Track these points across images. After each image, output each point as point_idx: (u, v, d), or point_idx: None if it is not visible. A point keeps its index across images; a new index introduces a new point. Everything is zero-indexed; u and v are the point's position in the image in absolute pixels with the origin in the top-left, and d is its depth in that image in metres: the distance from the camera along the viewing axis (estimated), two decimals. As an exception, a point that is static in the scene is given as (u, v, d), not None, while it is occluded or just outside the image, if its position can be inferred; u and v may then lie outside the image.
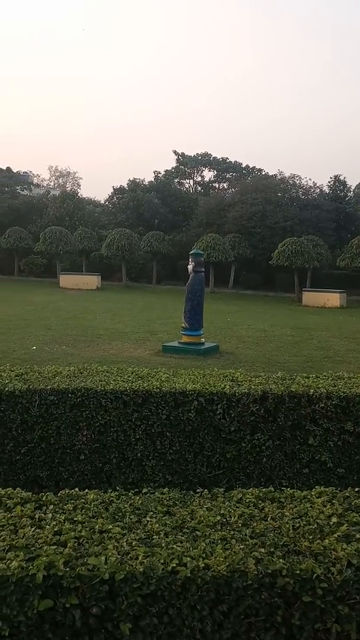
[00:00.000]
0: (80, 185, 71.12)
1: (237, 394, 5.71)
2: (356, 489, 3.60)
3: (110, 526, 3.04)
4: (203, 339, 14.93)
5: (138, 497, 3.43)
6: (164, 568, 2.69)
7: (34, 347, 14.27)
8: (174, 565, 2.70)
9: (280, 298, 35.02)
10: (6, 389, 5.73)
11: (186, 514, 3.23)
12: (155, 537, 2.96)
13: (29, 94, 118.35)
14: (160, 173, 55.00)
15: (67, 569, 2.66)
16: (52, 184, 75.19)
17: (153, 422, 5.75)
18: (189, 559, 2.75)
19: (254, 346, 15.83)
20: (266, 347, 15.68)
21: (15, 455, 5.74)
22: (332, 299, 31.50)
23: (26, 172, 69.00)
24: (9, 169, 63.24)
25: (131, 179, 49.19)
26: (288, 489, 3.63)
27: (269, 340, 17.13)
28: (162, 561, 2.73)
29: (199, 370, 6.82)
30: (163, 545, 2.87)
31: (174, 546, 2.85)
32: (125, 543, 2.88)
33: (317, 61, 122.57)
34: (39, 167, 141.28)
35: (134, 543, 2.89)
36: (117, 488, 5.77)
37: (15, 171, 64.30)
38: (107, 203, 52.13)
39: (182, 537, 2.96)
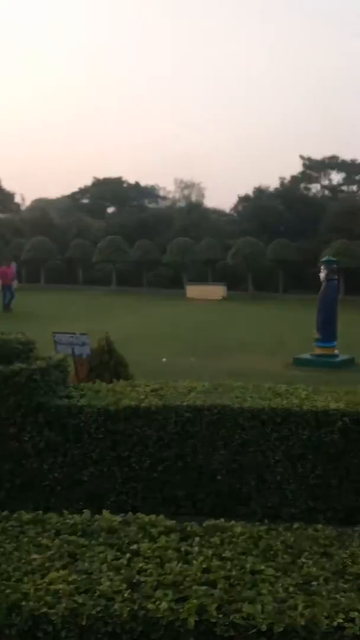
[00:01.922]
0: (204, 196, 71.88)
1: (387, 415, 5.23)
2: None
3: (263, 566, 2.78)
4: (337, 351, 14.26)
5: (290, 533, 3.14)
6: (329, 623, 2.38)
7: (164, 359, 14.39)
8: (340, 620, 2.39)
9: None
10: (142, 404, 5.67)
11: (346, 556, 2.90)
12: (314, 583, 2.66)
13: (154, 111, 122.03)
14: (285, 179, 54.16)
15: (221, 616, 2.43)
16: (177, 195, 76.77)
17: (293, 443, 5.43)
18: (356, 613, 2.42)
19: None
20: None
21: (152, 472, 5.66)
22: None
23: (153, 186, 71.03)
24: (137, 183, 65.57)
25: (256, 187, 48.89)
26: None
27: None
28: (325, 614, 2.42)
29: (341, 387, 6.38)
30: (324, 594, 2.56)
31: (337, 596, 2.54)
32: (280, 588, 2.61)
33: None
34: (165, 179, 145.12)
35: (290, 589, 2.61)
36: (257, 511, 5.62)
37: (143, 185, 66.55)
38: (232, 212, 52.20)
39: (345, 586, 2.64)
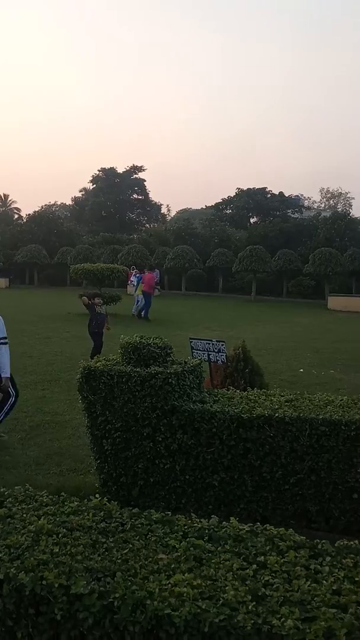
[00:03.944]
0: (352, 205, 69.62)
1: None
2: None
3: None
4: None
5: None
6: None
7: (301, 370, 14.03)
8: None
9: None
10: (276, 414, 5.53)
11: None
12: None
13: (297, 121, 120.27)
14: None
15: (350, 643, 2.27)
16: (322, 205, 75.06)
17: None
18: None
19: None
20: None
21: (283, 484, 5.50)
22: None
23: (297, 196, 70.06)
24: (281, 193, 64.99)
25: None
26: None
27: None
28: None
29: None
30: None
31: None
32: None
33: None
34: (311, 190, 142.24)
35: None
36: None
37: (287, 195, 65.82)
38: (381, 222, 49.91)
39: None
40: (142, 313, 24.94)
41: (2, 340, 7.56)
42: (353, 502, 5.31)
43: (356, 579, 2.72)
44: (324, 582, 2.68)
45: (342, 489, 5.34)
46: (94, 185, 75.08)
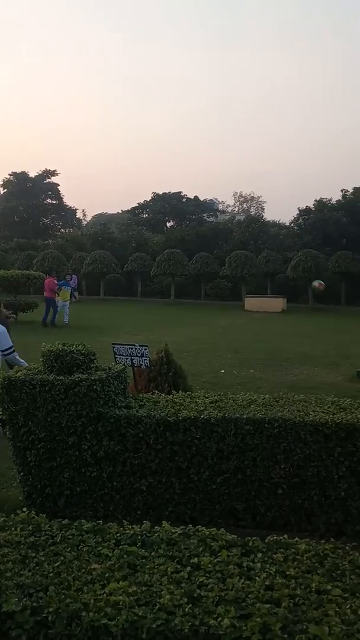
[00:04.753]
0: (264, 209, 71.54)
1: None
2: None
3: (329, 586, 2.65)
4: None
5: (358, 553, 2.99)
6: None
7: (223, 371, 14.27)
8: None
9: None
10: (202, 416, 5.60)
11: None
12: (385, 606, 2.51)
13: (212, 127, 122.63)
14: (348, 191, 53.17)
15: (285, 636, 2.32)
16: (236, 209, 76.74)
17: (358, 458, 5.23)
18: None
19: None
20: None
21: (211, 484, 5.57)
22: None
23: (212, 200, 71.26)
24: (196, 197, 65.92)
25: (317, 199, 48.22)
26: None
27: None
28: None
29: None
30: None
31: None
32: (349, 610, 2.48)
33: None
34: (224, 194, 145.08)
35: (359, 611, 2.47)
36: (320, 527, 5.44)
37: (202, 199, 66.83)
38: (292, 225, 51.65)
39: None
40: (49, 319, 23.74)
41: (8, 351, 7.28)
42: (278, 497, 5.45)
43: (287, 573, 2.79)
44: (257, 578, 2.73)
45: (267, 486, 5.46)
46: (5, 190, 73.17)
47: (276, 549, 3.05)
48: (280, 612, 2.44)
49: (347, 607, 2.49)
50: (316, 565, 2.88)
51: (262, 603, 2.51)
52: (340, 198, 50.39)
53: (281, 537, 3.19)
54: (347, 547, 3.06)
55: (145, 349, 7.65)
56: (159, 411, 5.71)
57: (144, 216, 65.94)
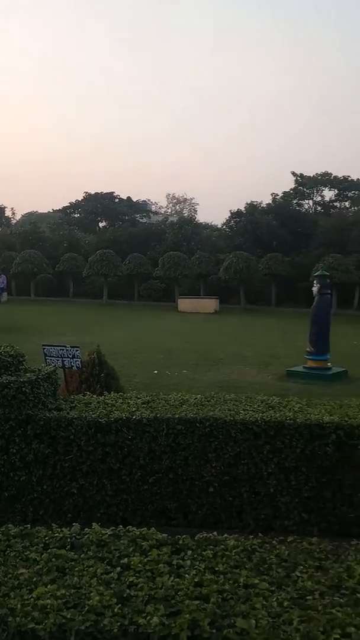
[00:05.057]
0: (197, 211, 72.20)
1: (381, 428, 5.18)
2: None
3: (256, 580, 2.71)
4: (330, 364, 14.23)
5: (284, 547, 3.07)
6: (325, 638, 2.31)
7: (156, 372, 14.29)
8: (337, 636, 2.32)
9: None
10: (134, 417, 5.59)
11: (342, 570, 2.83)
12: (309, 597, 2.59)
13: (145, 126, 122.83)
14: (278, 195, 54.48)
15: (214, 631, 2.36)
16: (169, 210, 77.05)
17: (286, 455, 5.36)
18: (353, 628, 2.35)
19: (386, 372, 14.84)
20: None
21: (143, 485, 5.57)
22: None
23: (145, 201, 71.26)
24: (129, 198, 65.73)
25: (248, 202, 49.12)
26: None
27: None
28: (321, 629, 2.35)
29: (335, 400, 6.33)
30: (319, 608, 2.49)
31: (333, 611, 2.47)
32: (275, 602, 2.54)
33: None
34: (157, 195, 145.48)
35: (285, 603, 2.53)
36: (250, 523, 5.54)
37: (134, 200, 66.72)
38: (224, 227, 52.39)
39: (341, 600, 2.56)
40: None
41: None
42: (209, 495, 5.51)
43: (216, 569, 2.83)
44: (187, 575, 2.76)
45: (199, 484, 5.52)
46: None
47: (206, 546, 3.09)
48: (209, 607, 2.47)
49: (274, 599, 2.55)
50: (244, 560, 2.93)
51: (191, 600, 2.53)
52: (271, 202, 51.62)
53: (211, 534, 3.23)
54: (274, 542, 3.13)
55: (76, 350, 7.56)
56: (91, 413, 5.66)
57: (75, 216, 65.15)
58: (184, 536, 3.18)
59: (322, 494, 5.28)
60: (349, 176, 55.92)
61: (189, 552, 3.01)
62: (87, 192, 64.77)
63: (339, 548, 3.09)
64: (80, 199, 65.23)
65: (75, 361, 7.56)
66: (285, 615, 2.45)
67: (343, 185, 55.93)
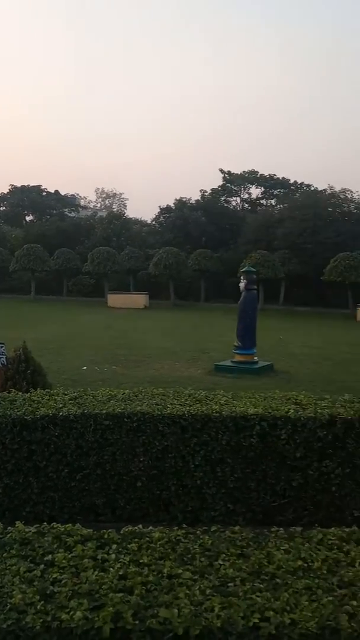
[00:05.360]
0: (126, 206, 71.73)
1: (302, 419, 5.37)
2: None
3: (180, 570, 2.76)
4: (256, 358, 14.56)
5: (207, 537, 3.13)
6: (245, 623, 2.38)
7: (84, 368, 14.18)
8: (256, 620, 2.39)
9: (334, 314, 34.16)
10: (60, 413, 5.54)
11: (262, 557, 2.92)
12: (230, 584, 2.66)
13: (73, 118, 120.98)
14: (206, 192, 54.99)
15: (137, 622, 2.38)
16: (98, 205, 76.24)
17: (213, 447, 5.46)
18: (271, 612, 2.43)
19: (309, 364, 15.35)
20: (323, 365, 15.18)
21: (70, 481, 5.53)
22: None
23: (73, 195, 70.20)
24: (57, 192, 64.59)
25: (177, 198, 49.35)
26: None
27: (325, 357, 16.59)
28: (241, 614, 2.42)
29: (259, 392, 6.49)
30: (240, 594, 2.56)
31: (253, 596, 2.55)
32: (197, 591, 2.59)
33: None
34: (86, 189, 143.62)
35: (207, 591, 2.60)
36: (177, 516, 5.60)
37: (63, 194, 65.63)
38: (153, 223, 52.43)
39: (261, 585, 2.65)
40: None
41: None
42: (137, 490, 5.53)
43: (140, 561, 2.86)
44: (111, 569, 2.77)
45: (127, 479, 5.53)
46: None
47: (131, 539, 3.11)
48: (133, 599, 2.50)
49: (196, 588, 2.61)
50: (169, 551, 2.98)
51: (115, 592, 2.55)
52: (199, 198, 52.07)
53: (136, 527, 3.25)
54: (197, 532, 3.19)
55: (1, 347, 7.41)
56: (16, 410, 5.56)
57: (1, 209, 63.41)
58: (109, 530, 3.19)
59: (247, 484, 5.41)
60: (274, 174, 57.23)
61: (114, 546, 3.02)
62: (12, 185, 63.18)
63: (260, 535, 3.18)
64: (5, 192, 63.55)
65: (0, 358, 7.41)
66: (207, 602, 2.51)
67: (269, 183, 57.16)
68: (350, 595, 2.57)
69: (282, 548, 3.01)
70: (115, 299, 37.33)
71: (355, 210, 41.28)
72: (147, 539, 3.11)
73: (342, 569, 2.79)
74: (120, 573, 2.73)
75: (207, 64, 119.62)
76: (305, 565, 2.84)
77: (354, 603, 2.50)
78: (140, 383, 11.40)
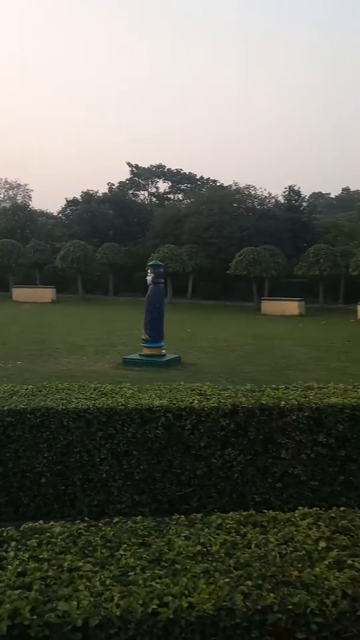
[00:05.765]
0: (31, 198, 69.84)
1: (206, 409, 5.48)
2: (341, 509, 3.40)
3: (80, 563, 2.75)
4: (164, 351, 14.68)
5: (109, 528, 3.14)
6: (144, 610, 2.42)
7: (-12, 364, 13.73)
8: (154, 606, 2.43)
9: (240, 307, 35.06)
10: None
11: (163, 544, 2.97)
12: (130, 573, 2.68)
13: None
14: (114, 185, 54.68)
15: (35, 617, 2.36)
16: (1, 196, 73.78)
17: (119, 440, 5.47)
18: (170, 597, 2.48)
19: (216, 356, 15.67)
20: (228, 357, 15.55)
21: (-30, 481, 5.36)
22: (291, 307, 31.76)
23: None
24: None
25: (84, 191, 48.73)
26: (270, 511, 3.39)
27: (231, 349, 17.01)
28: (140, 602, 2.45)
29: (165, 384, 6.56)
30: (140, 582, 2.59)
31: (153, 583, 2.58)
32: (98, 582, 2.60)
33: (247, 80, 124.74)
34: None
35: (107, 582, 2.60)
36: (83, 510, 5.57)
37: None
38: (60, 215, 51.52)
39: (161, 572, 2.69)
40: None
41: None
42: (41, 487, 5.45)
43: (40, 556, 2.82)
44: (9, 567, 2.72)
45: (30, 476, 5.44)
46: None
47: (31, 535, 3.06)
48: (31, 595, 2.46)
49: (97, 580, 2.61)
50: (70, 545, 2.95)
51: (13, 590, 2.50)
52: (107, 191, 51.71)
53: (37, 523, 3.21)
54: (99, 524, 3.19)
55: None
56: None
57: None
58: (8, 528, 3.12)
59: (153, 476, 5.46)
60: (181, 169, 57.85)
61: (13, 544, 2.96)
62: None
63: (161, 524, 3.23)
64: None
65: None
66: (107, 593, 2.52)
67: (176, 177, 57.72)
68: (246, 576, 2.66)
69: (182, 535, 3.07)
70: (20, 293, 36.39)
71: (259, 206, 42.49)
72: (48, 534, 3.08)
73: (238, 551, 2.89)
74: (19, 570, 2.68)
75: (116, 55, 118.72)
76: (204, 549, 2.91)
77: (249, 583, 2.60)
78: (46, 378, 11.19)
